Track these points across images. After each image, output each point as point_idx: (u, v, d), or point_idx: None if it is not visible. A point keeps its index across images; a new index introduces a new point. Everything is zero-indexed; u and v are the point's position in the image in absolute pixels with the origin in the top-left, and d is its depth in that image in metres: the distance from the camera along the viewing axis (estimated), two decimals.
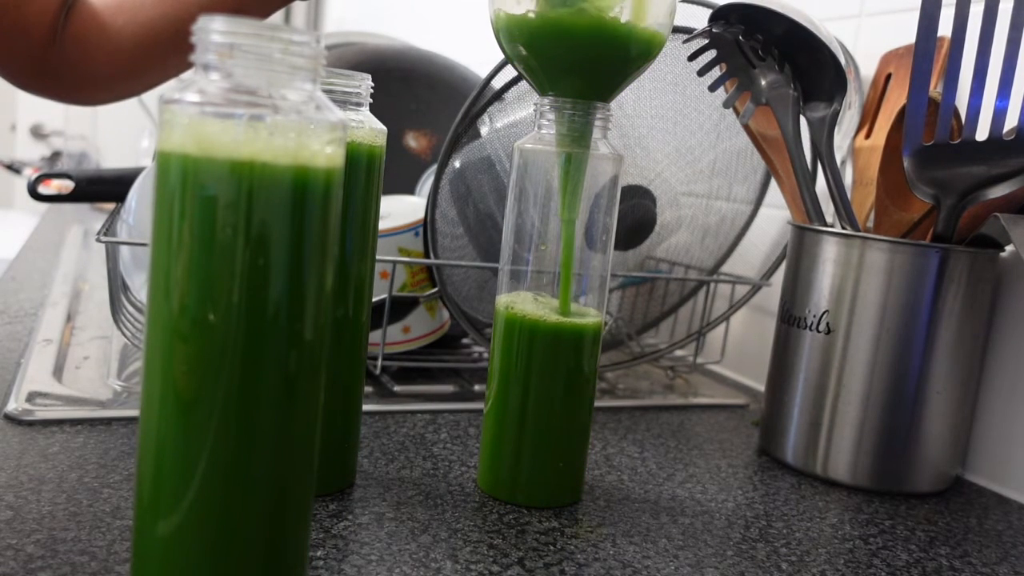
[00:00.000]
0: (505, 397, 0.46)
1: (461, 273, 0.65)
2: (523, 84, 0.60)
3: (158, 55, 0.63)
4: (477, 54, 0.92)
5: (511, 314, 0.45)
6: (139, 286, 0.63)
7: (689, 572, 0.40)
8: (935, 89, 0.56)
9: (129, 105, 0.75)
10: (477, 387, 0.66)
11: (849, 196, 0.60)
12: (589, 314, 0.46)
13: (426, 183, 0.82)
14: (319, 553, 0.38)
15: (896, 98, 0.61)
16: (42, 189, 0.83)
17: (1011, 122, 0.49)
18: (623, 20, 0.41)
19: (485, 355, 0.72)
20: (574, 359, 0.45)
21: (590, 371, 0.46)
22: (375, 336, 0.62)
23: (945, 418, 0.53)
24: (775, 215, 0.75)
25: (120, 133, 2.48)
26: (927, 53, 0.50)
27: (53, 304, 0.78)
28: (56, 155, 2.56)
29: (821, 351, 0.54)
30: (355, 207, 0.43)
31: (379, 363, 0.62)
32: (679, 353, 0.80)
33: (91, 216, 1.46)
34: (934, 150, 0.51)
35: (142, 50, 0.62)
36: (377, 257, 0.47)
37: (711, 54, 0.57)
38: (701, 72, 0.57)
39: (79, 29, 0.61)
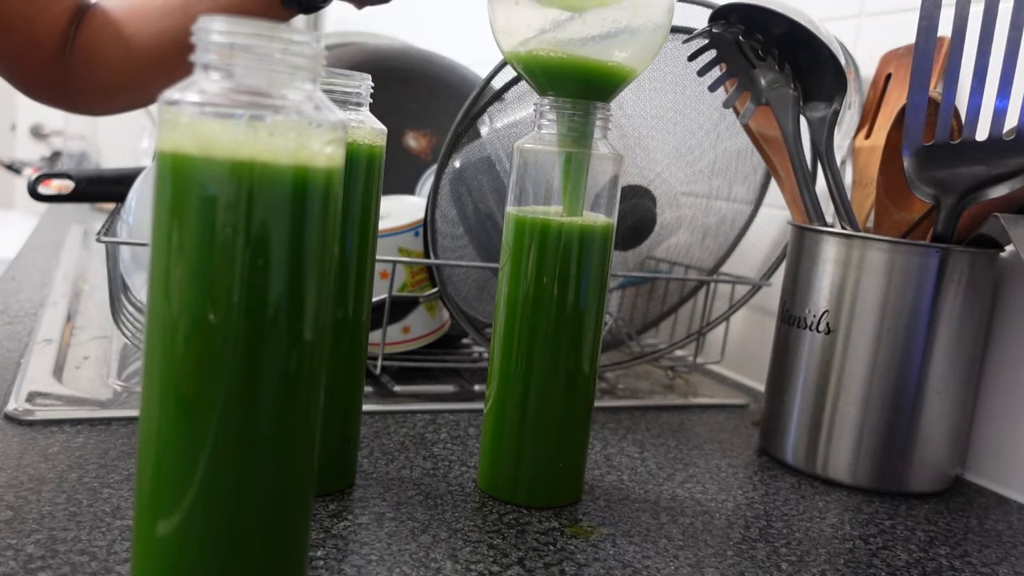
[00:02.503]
0: (506, 391, 0.46)
1: (461, 273, 0.65)
2: (523, 84, 0.60)
3: (166, 66, 0.63)
4: (477, 54, 0.92)
5: (522, 217, 0.45)
6: (139, 286, 0.63)
7: (689, 572, 0.40)
8: (935, 89, 0.56)
9: None
10: (477, 387, 0.66)
11: (849, 196, 0.60)
12: (599, 218, 0.46)
13: (426, 183, 0.82)
14: (319, 553, 0.38)
15: (896, 98, 0.61)
16: (42, 189, 0.83)
17: (1011, 122, 0.49)
18: (614, 61, 0.43)
19: (485, 355, 0.72)
20: (585, 260, 0.45)
21: (603, 279, 0.46)
22: (375, 336, 0.62)
23: (945, 418, 0.53)
24: (775, 215, 0.75)
25: (120, 133, 2.48)
26: (927, 53, 0.50)
27: (53, 304, 0.78)
28: (56, 155, 2.56)
29: (821, 351, 0.54)
30: (355, 207, 0.43)
31: (379, 363, 0.62)
32: (679, 353, 0.80)
33: (91, 216, 1.46)
34: (934, 150, 0.51)
35: (150, 61, 0.63)
36: (377, 257, 0.47)
37: (711, 54, 0.57)
38: (701, 72, 0.57)
39: (89, 40, 0.62)
